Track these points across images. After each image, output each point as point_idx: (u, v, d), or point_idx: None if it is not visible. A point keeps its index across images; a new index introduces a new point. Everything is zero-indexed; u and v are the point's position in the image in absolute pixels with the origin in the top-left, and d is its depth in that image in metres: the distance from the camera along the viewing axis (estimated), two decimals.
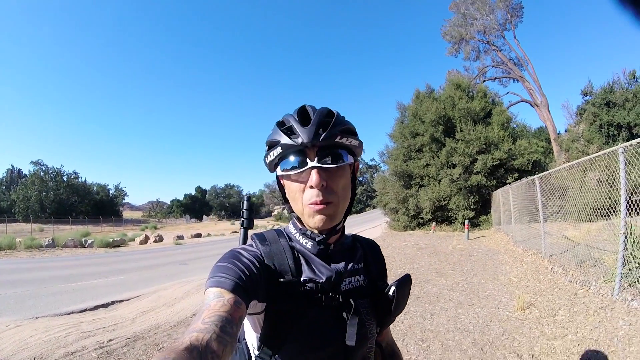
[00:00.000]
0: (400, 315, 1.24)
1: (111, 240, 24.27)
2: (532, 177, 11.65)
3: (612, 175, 8.00)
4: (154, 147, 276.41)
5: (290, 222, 1.12)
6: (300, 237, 1.05)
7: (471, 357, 4.31)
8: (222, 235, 35.87)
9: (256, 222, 60.14)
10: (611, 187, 7.97)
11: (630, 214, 5.73)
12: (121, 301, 7.66)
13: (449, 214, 21.19)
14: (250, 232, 1.37)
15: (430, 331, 5.15)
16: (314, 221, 0.96)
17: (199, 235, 34.04)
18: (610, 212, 7.62)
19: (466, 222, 16.89)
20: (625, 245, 5.59)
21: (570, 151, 24.19)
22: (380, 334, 1.18)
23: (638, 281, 5.34)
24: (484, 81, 35.40)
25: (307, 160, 0.94)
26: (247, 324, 1.04)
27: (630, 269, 5.53)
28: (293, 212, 1.05)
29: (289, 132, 0.96)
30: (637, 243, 5.72)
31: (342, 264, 1.06)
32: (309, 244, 1.03)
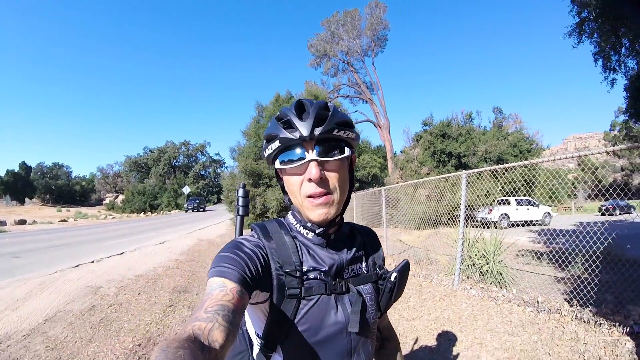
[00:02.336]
0: None
1: None
2: (379, 188, 12.77)
3: (440, 194, 9.31)
4: None
5: (290, 213, 1.12)
6: (301, 228, 1.06)
7: None
8: (49, 223, 30.96)
9: (85, 210, 53.66)
10: (438, 202, 9.23)
11: (466, 224, 6.74)
12: None
13: None
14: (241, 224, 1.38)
15: None
16: (313, 214, 0.98)
17: (23, 222, 29.01)
18: (436, 222, 8.82)
19: None
20: (463, 247, 6.69)
21: (405, 169, 27.30)
22: (380, 319, 1.20)
23: (473, 275, 6.61)
24: (337, 97, 37.68)
25: (306, 153, 0.95)
26: (249, 312, 1.05)
27: (467, 266, 6.76)
28: (292, 204, 1.07)
29: (287, 125, 0.96)
30: (470, 246, 6.92)
31: (344, 252, 1.08)
32: (310, 235, 1.05)
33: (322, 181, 0.95)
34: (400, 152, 35.09)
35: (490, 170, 6.44)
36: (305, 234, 1.05)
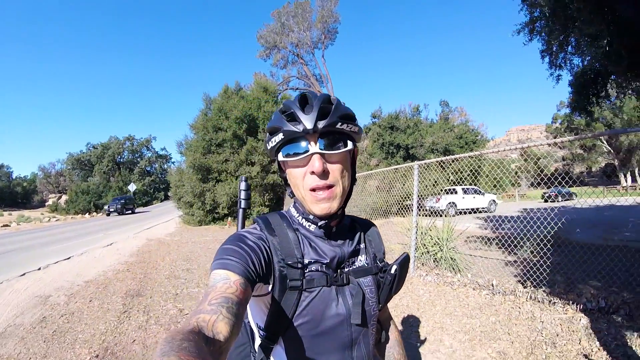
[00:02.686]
0: None
1: None
2: None
3: (389, 184, 9.50)
4: None
5: (292, 205, 1.12)
6: (303, 220, 1.06)
7: None
8: None
9: (28, 213, 49.67)
10: (388, 192, 9.41)
11: (419, 214, 6.89)
12: None
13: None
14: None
15: None
16: (316, 207, 0.98)
17: None
18: (387, 212, 8.98)
19: None
20: (416, 235, 6.83)
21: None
22: (380, 311, 1.19)
23: (428, 262, 6.80)
24: (286, 89, 37.22)
25: (309, 146, 0.95)
26: (251, 304, 1.06)
27: (422, 253, 6.92)
28: (294, 196, 1.07)
29: (291, 118, 0.97)
30: (423, 234, 7.10)
31: (345, 245, 1.08)
32: (312, 227, 1.05)
33: (324, 174, 0.95)
34: None
35: (439, 161, 6.56)
36: (307, 227, 1.05)
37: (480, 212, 20.22)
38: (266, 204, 21.23)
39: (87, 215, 47.76)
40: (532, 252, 6.56)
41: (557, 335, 3.88)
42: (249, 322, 1.14)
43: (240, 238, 0.95)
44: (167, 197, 60.71)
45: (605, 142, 48.77)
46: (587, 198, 5.29)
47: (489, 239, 8.64)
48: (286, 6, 38.51)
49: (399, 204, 8.71)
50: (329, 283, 0.99)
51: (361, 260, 1.11)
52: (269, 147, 1.03)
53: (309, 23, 38.14)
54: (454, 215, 16.93)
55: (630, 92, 9.64)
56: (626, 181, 48.00)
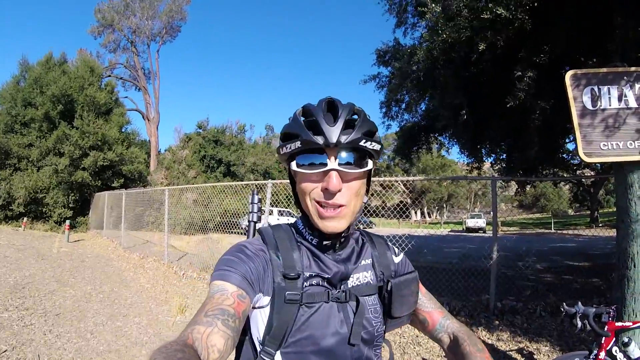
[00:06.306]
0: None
1: None
2: (163, 188, 12.40)
3: (207, 199, 10.16)
4: None
5: (299, 217, 1.09)
6: (307, 234, 1.02)
7: None
8: None
9: None
10: (205, 207, 9.67)
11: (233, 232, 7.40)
12: None
13: (45, 209, 18.60)
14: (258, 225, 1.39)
15: (107, 352, 4.57)
16: (322, 224, 0.93)
17: None
18: (204, 228, 9.17)
19: (67, 222, 15.41)
20: None
21: (171, 170, 27.25)
22: (386, 331, 1.13)
23: None
24: (109, 76, 33.90)
25: (327, 160, 0.89)
26: (253, 317, 0.98)
27: None
28: (301, 207, 1.02)
29: (312, 127, 0.90)
30: None
31: (350, 260, 1.04)
32: (315, 241, 1.01)
33: (338, 192, 0.90)
34: (166, 150, 34.17)
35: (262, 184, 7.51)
36: (311, 240, 1.01)
37: None
38: (70, 205, 18.80)
39: None
40: None
41: (417, 336, 4.87)
42: (250, 333, 1.04)
43: (240, 249, 0.94)
44: None
45: (401, 183, 56.59)
46: (384, 227, 6.39)
47: None
48: None
49: (216, 219, 8.86)
50: (329, 299, 0.96)
51: (366, 276, 1.07)
52: (281, 152, 0.97)
53: (154, 12, 36.05)
54: None
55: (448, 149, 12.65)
56: (416, 216, 57.66)
